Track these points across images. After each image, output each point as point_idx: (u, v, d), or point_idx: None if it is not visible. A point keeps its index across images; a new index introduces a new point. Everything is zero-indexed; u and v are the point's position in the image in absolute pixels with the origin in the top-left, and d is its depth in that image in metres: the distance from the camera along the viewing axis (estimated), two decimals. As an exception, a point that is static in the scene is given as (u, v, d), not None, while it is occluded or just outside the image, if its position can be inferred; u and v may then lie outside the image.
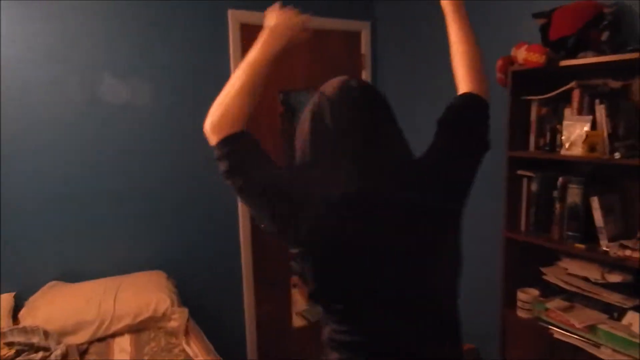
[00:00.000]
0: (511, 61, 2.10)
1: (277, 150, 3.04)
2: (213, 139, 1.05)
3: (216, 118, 1.05)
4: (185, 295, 2.46)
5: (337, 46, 3.16)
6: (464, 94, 1.15)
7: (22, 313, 2.20)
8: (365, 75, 3.26)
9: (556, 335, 1.97)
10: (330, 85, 1.05)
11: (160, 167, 2.68)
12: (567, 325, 1.93)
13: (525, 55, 1.97)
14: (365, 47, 3.25)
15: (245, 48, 2.85)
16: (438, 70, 2.66)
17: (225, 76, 2.70)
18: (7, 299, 2.27)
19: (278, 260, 3.12)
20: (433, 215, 1.01)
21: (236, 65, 2.77)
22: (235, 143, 1.03)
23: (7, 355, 1.78)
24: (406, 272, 1.00)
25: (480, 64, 1.18)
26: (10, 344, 1.87)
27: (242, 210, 2.90)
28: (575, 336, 1.90)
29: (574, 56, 1.91)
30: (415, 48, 2.99)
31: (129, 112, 2.58)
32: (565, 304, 2.01)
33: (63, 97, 2.41)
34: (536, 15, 2.04)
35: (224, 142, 1.03)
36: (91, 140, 2.50)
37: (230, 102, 1.05)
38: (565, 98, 2.04)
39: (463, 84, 1.16)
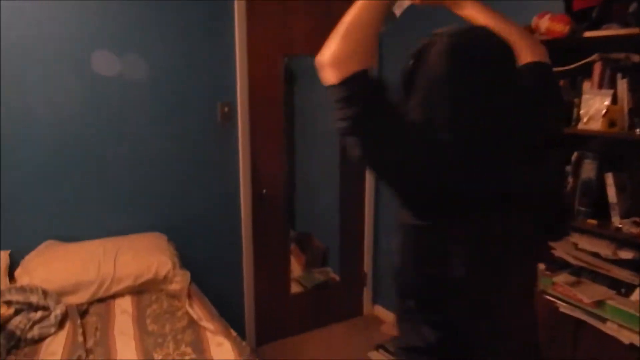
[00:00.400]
0: (532, 31, 2.04)
1: (279, 119, 2.96)
2: (337, 75, 0.90)
3: (345, 49, 0.90)
4: (184, 259, 2.42)
5: (340, 10, 3.05)
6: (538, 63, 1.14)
7: (18, 272, 2.14)
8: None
9: (562, 309, 1.98)
10: (460, 31, 0.98)
11: (161, 130, 2.60)
12: (574, 299, 1.93)
13: (549, 25, 1.91)
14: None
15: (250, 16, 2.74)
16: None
17: (228, 35, 2.69)
18: (3, 256, 2.21)
19: (277, 226, 3.08)
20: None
21: (241, 31, 2.68)
22: (369, 80, 0.90)
23: (6, 314, 1.73)
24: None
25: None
26: (8, 303, 1.82)
27: (244, 174, 2.84)
28: (582, 311, 1.90)
29: (597, 28, 1.86)
30: (428, 12, 2.90)
31: (130, 77, 2.48)
32: (572, 278, 2.00)
33: (56, 69, 2.31)
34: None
35: (355, 78, 0.89)
36: (91, 103, 2.41)
37: (362, 33, 0.91)
38: (585, 71, 1.99)
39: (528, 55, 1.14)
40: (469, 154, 0.94)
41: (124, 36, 2.43)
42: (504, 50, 0.98)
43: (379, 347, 3.02)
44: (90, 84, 2.40)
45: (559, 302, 1.99)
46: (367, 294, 3.54)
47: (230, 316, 2.16)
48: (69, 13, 2.31)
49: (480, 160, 0.95)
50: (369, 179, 3.35)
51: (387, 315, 3.44)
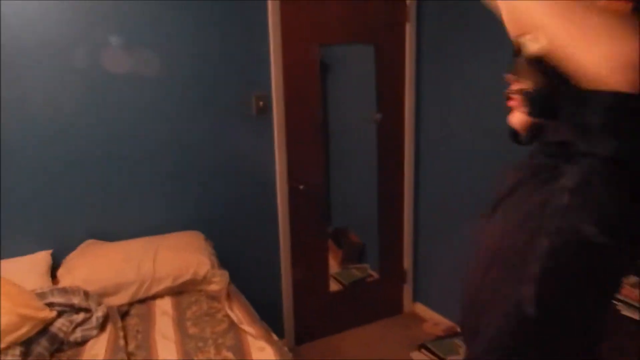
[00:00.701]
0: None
1: (316, 112, 2.88)
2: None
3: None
4: (220, 257, 2.38)
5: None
6: None
7: (60, 272, 2.15)
8: (410, 30, 3.03)
9: (624, 312, 1.84)
10: None
11: (196, 126, 2.56)
12: (638, 301, 1.79)
13: (606, 3, 1.75)
14: (410, -3, 3.01)
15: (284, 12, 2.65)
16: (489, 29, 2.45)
17: (262, 26, 2.62)
18: (45, 256, 2.22)
19: (315, 223, 3.02)
20: None
21: (275, 20, 2.59)
22: None
23: (49, 316, 1.72)
24: None
25: None
26: (50, 304, 1.81)
27: (280, 171, 2.79)
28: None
29: None
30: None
31: (165, 70, 2.44)
32: (637, 279, 1.86)
33: (91, 56, 2.29)
34: None
35: None
36: (126, 97, 2.38)
37: None
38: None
39: None
40: None
41: (156, 27, 2.39)
42: None
43: (421, 346, 2.92)
44: (122, 78, 2.36)
45: (621, 304, 1.85)
46: (407, 291, 3.44)
47: (267, 315, 2.12)
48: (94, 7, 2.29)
49: None
50: (408, 172, 3.23)
51: (428, 314, 3.34)
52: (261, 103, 2.65)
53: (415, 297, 3.47)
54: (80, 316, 1.81)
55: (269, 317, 2.05)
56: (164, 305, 2.01)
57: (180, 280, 2.08)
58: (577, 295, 0.75)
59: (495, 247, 0.87)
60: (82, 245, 2.30)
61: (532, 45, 0.76)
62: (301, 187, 2.86)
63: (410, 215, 3.31)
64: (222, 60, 2.56)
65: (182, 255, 2.18)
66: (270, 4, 2.60)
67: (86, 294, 1.91)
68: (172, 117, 2.50)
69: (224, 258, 2.40)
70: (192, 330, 1.81)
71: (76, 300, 1.86)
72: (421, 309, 3.42)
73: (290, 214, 2.89)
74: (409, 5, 2.99)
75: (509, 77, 0.89)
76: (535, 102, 0.79)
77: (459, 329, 3.03)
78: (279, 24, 2.64)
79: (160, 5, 2.38)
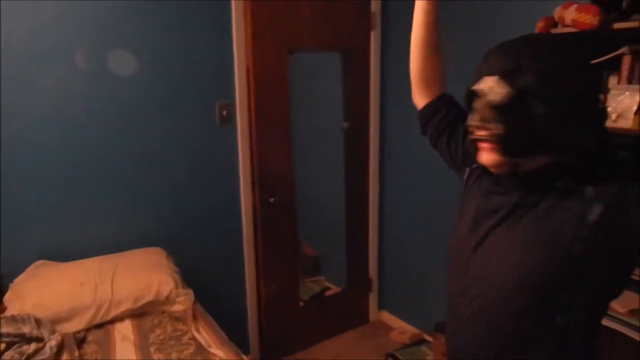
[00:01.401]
0: (554, 22, 1.92)
1: (285, 121, 2.80)
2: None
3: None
4: (182, 274, 2.25)
5: (345, 3, 2.88)
6: None
7: (7, 297, 1.97)
8: (374, 37, 3.01)
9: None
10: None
11: (156, 136, 2.43)
12: (609, 309, 1.82)
13: (575, 15, 1.78)
14: (375, 4, 2.99)
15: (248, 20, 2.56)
16: (456, 34, 2.47)
17: (226, 34, 2.52)
18: (-11, 280, 2.04)
19: (285, 236, 2.93)
20: None
21: (240, 35, 2.51)
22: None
23: (-4, 349, 1.57)
24: None
25: None
26: (-2, 335, 1.65)
27: (244, 182, 2.69)
28: (615, 320, 1.80)
29: (626, 19, 1.74)
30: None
31: (124, 77, 2.30)
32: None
33: (53, 70, 2.13)
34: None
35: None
36: (80, 106, 2.23)
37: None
38: (611, 65, 1.87)
39: None
40: None
41: (113, 32, 2.25)
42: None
43: (388, 355, 2.90)
44: (77, 87, 2.21)
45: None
46: (372, 299, 3.41)
47: (233, 332, 2.02)
48: (62, 12, 2.13)
49: None
50: (373, 180, 3.21)
51: (394, 321, 3.32)
52: (225, 112, 2.55)
53: (381, 306, 3.44)
54: (32, 347, 1.65)
55: (234, 335, 1.96)
56: (124, 330, 1.87)
57: (142, 302, 1.96)
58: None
59: (518, 275, 0.91)
60: (31, 267, 2.13)
61: (496, 93, 0.83)
62: (272, 199, 2.76)
63: (375, 223, 3.29)
64: (184, 67, 2.44)
65: (143, 274, 2.05)
66: (234, 9, 2.50)
67: (37, 322, 1.76)
68: (131, 126, 2.36)
69: (186, 275, 2.27)
70: (156, 356, 1.70)
71: (27, 330, 1.71)
72: (387, 316, 3.40)
73: (259, 227, 2.79)
74: (373, 13, 2.97)
75: (472, 124, 0.94)
76: (509, 143, 0.89)
77: (425, 336, 3.03)
78: (243, 30, 2.54)
79: (119, 9, 2.24)
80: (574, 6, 1.79)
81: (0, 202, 2.11)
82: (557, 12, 1.89)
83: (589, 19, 1.74)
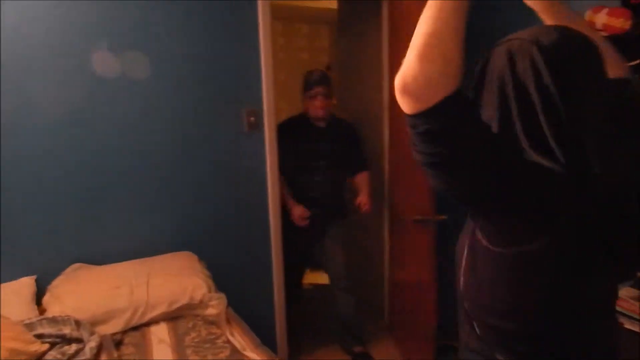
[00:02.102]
0: (584, 27, 1.91)
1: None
2: (417, 106, 0.75)
3: (427, 71, 0.73)
4: (214, 279, 2.29)
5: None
6: None
7: (46, 299, 2.04)
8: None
9: (627, 326, 1.85)
10: (544, 34, 0.83)
11: (185, 142, 2.49)
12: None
13: (606, 20, 1.77)
14: None
15: (277, 9, 2.61)
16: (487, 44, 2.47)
17: (253, 42, 2.57)
18: (29, 283, 2.11)
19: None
20: None
21: (266, 29, 2.54)
22: (456, 109, 0.76)
23: (40, 350, 1.62)
24: None
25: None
26: (40, 336, 1.71)
27: (272, 188, 2.72)
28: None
29: (659, 22, 1.73)
30: None
31: (147, 86, 2.36)
32: (637, 292, 1.87)
33: (69, 75, 2.20)
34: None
35: (440, 109, 0.74)
36: (106, 116, 2.29)
37: (452, 45, 0.73)
38: (644, 69, 1.85)
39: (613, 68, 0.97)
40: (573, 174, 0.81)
41: (142, 38, 2.32)
42: (597, 53, 0.86)
43: None
44: (109, 91, 2.28)
45: (623, 318, 1.86)
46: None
47: (261, 335, 2.05)
48: (82, 14, 2.20)
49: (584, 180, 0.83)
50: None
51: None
52: (252, 118, 2.60)
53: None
54: (73, 347, 1.70)
55: (262, 338, 1.98)
56: (160, 333, 1.91)
57: (176, 305, 2.00)
58: None
59: None
60: (68, 270, 2.20)
61: None
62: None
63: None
64: (212, 73, 2.50)
65: (177, 278, 2.09)
66: (261, 15, 2.54)
67: (77, 323, 1.81)
68: (160, 132, 2.42)
69: (216, 279, 2.31)
70: (193, 358, 1.73)
71: (67, 331, 1.76)
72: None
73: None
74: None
75: None
76: None
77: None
78: (270, 36, 2.59)
79: (149, 16, 2.31)
80: (605, 10, 1.79)
81: (37, 209, 2.18)
82: (587, 16, 1.88)
83: (621, 22, 1.73)
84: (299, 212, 2.76)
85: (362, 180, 2.94)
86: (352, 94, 3.58)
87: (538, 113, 0.80)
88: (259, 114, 2.62)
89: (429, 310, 2.48)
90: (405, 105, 0.77)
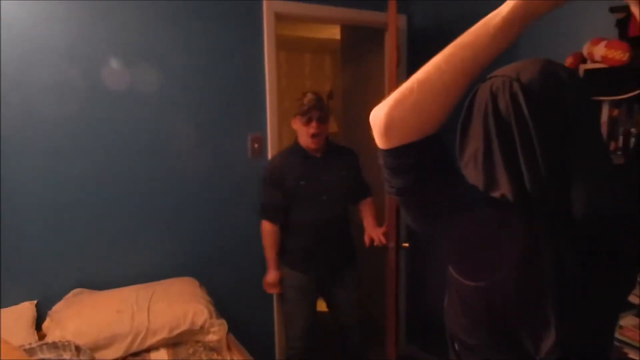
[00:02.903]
0: (583, 58, 1.95)
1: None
2: (391, 142, 0.76)
3: (404, 114, 0.74)
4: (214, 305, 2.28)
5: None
6: None
7: (46, 324, 2.03)
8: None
9: (632, 356, 1.83)
10: (524, 69, 0.84)
11: (189, 168, 2.51)
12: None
13: (605, 52, 1.82)
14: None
15: (283, 40, 2.68)
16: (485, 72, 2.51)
17: (259, 70, 2.62)
18: (29, 307, 2.10)
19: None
20: None
21: (271, 59, 2.60)
22: (427, 149, 0.77)
23: (40, 375, 1.61)
24: None
25: None
26: (40, 362, 1.70)
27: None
28: None
29: (656, 54, 1.77)
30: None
31: (153, 113, 2.39)
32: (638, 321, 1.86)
33: (78, 95, 2.22)
34: (614, 10, 1.89)
35: (411, 148, 0.75)
36: (110, 140, 2.32)
37: (434, 98, 0.74)
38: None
39: None
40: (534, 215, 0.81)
41: (147, 64, 2.36)
42: (582, 81, 0.88)
43: None
44: (114, 120, 2.31)
45: (626, 347, 1.85)
46: (400, 332, 3.37)
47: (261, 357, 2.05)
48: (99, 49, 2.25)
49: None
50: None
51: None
52: (256, 145, 2.63)
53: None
54: (72, 373, 1.69)
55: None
56: (160, 358, 1.90)
57: (177, 331, 1.99)
58: None
59: None
60: (69, 295, 2.19)
61: None
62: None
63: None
64: (217, 100, 2.54)
65: (178, 303, 2.09)
66: (266, 43, 2.60)
67: (77, 349, 1.80)
68: (164, 157, 2.45)
69: (216, 304, 2.29)
70: (193, 385, 1.72)
71: (67, 356, 1.75)
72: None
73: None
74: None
75: None
76: None
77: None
78: (275, 64, 2.64)
79: (157, 44, 2.36)
80: (603, 42, 1.83)
81: (38, 233, 2.19)
82: (586, 48, 1.93)
83: (619, 55, 1.77)
84: (271, 278, 2.50)
85: (366, 207, 2.64)
86: (355, 121, 3.62)
87: (517, 150, 0.81)
88: (263, 141, 2.65)
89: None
90: (375, 138, 0.79)
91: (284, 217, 2.45)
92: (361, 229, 2.64)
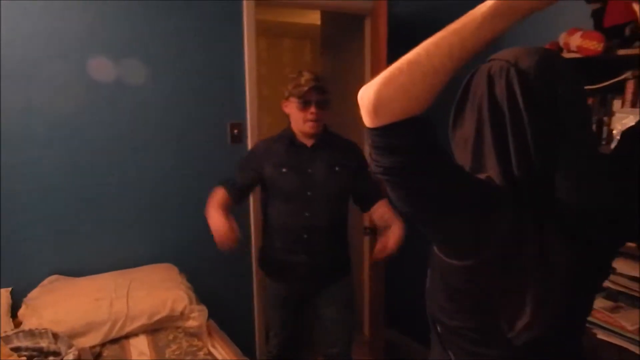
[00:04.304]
0: (560, 48, 1.99)
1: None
2: (380, 119, 0.76)
3: (393, 93, 0.74)
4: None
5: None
6: None
7: (22, 312, 2.00)
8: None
9: (600, 336, 1.90)
10: (524, 56, 0.86)
11: (168, 154, 2.49)
12: (615, 326, 1.85)
13: (580, 42, 1.86)
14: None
15: (262, 25, 2.65)
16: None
17: (238, 56, 2.60)
18: (4, 295, 2.07)
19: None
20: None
21: (251, 44, 2.58)
22: (413, 130, 0.77)
23: (17, 363, 1.59)
24: None
25: None
26: (16, 349, 1.67)
27: (254, 202, 2.73)
28: (623, 338, 1.83)
29: (629, 45, 1.82)
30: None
31: (132, 100, 2.37)
32: (610, 303, 1.93)
33: (58, 86, 2.19)
34: (590, 0, 1.93)
35: (399, 126, 0.75)
36: (87, 128, 2.28)
37: (423, 78, 0.74)
38: (615, 89, 1.94)
39: None
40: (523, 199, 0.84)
41: (127, 55, 2.32)
42: (577, 74, 0.90)
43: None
44: (95, 108, 2.28)
45: (596, 328, 1.91)
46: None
47: (241, 348, 2.05)
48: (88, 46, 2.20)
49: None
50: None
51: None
52: (236, 131, 2.61)
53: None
54: (50, 360, 1.68)
55: (242, 346, 1.98)
56: (140, 345, 1.90)
57: (157, 317, 1.98)
58: None
59: None
60: (45, 282, 2.16)
61: None
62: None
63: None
64: (198, 87, 2.51)
65: (157, 290, 2.08)
66: (246, 31, 2.58)
67: (55, 336, 1.78)
68: (143, 145, 2.42)
69: (196, 290, 2.29)
70: (173, 371, 1.72)
71: (44, 344, 1.73)
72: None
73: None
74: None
75: None
76: None
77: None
78: (255, 51, 2.62)
79: (135, 30, 2.32)
80: (579, 33, 1.87)
81: (13, 218, 2.15)
82: (562, 38, 1.96)
83: (594, 45, 1.81)
84: (213, 221, 2.00)
85: (384, 211, 2.08)
86: (334, 109, 3.62)
87: (508, 135, 0.84)
88: (242, 127, 2.64)
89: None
90: (363, 117, 0.80)
91: (240, 199, 2.12)
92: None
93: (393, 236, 1.97)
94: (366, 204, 2.20)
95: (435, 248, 0.95)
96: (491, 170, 0.86)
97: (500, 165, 0.84)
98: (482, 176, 0.86)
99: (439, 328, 1.04)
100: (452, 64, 0.74)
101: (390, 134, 0.77)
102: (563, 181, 0.83)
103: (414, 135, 0.77)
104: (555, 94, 0.84)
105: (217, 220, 1.95)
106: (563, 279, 0.88)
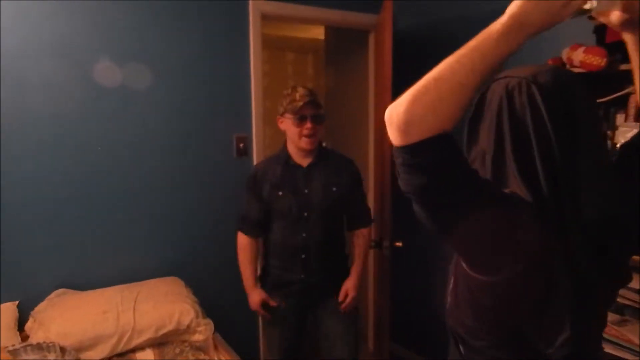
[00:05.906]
0: (562, 63, 2.02)
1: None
2: (410, 138, 0.77)
3: (422, 111, 0.76)
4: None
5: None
6: None
7: (29, 325, 2.01)
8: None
9: (607, 349, 1.90)
10: (540, 72, 0.88)
11: (173, 168, 2.50)
12: (622, 340, 1.85)
13: (583, 57, 1.88)
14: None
15: (266, 39, 2.69)
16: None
17: (244, 70, 2.62)
18: (11, 308, 2.07)
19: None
20: None
21: (257, 59, 2.61)
22: (441, 149, 0.78)
23: (24, 376, 1.59)
24: None
25: None
26: (24, 363, 1.68)
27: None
28: (631, 352, 1.82)
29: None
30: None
31: (139, 112, 2.39)
32: (616, 317, 1.93)
33: (63, 92, 2.21)
34: (592, 17, 1.95)
35: (428, 144, 0.77)
36: (94, 140, 2.30)
37: (451, 94, 0.76)
38: (618, 103, 1.96)
39: None
40: (549, 213, 0.85)
41: (132, 59, 2.35)
42: (591, 94, 0.92)
43: None
44: (101, 118, 2.30)
45: (603, 342, 1.91)
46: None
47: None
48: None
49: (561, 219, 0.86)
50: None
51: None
52: (241, 145, 2.63)
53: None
54: (57, 374, 1.68)
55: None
56: (147, 359, 1.90)
57: (163, 331, 1.99)
58: None
59: None
60: (52, 296, 2.17)
61: None
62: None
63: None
64: (204, 100, 2.54)
65: (164, 303, 2.08)
66: (252, 45, 2.62)
67: (62, 350, 1.78)
68: (150, 157, 2.44)
69: (202, 304, 2.29)
70: (180, 385, 1.72)
71: (52, 357, 1.74)
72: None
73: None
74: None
75: None
76: None
77: None
78: (261, 65, 2.65)
79: (144, 43, 2.36)
80: (582, 48, 1.89)
81: (19, 232, 2.16)
82: (565, 54, 1.99)
83: (597, 60, 1.84)
84: (252, 301, 2.16)
85: (358, 245, 2.22)
86: (338, 122, 3.65)
87: (533, 149, 0.86)
88: (248, 140, 2.66)
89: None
90: (390, 136, 0.81)
91: (262, 231, 2.17)
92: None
93: (344, 288, 2.15)
94: (350, 225, 2.25)
95: (463, 265, 0.95)
96: (513, 184, 0.87)
97: (524, 178, 0.86)
98: (506, 190, 0.88)
99: (462, 348, 1.03)
100: (476, 79, 0.77)
101: (421, 152, 0.78)
102: (587, 195, 0.85)
103: (443, 152, 0.79)
104: (574, 108, 0.87)
105: (253, 301, 2.17)
106: (594, 290, 0.89)
